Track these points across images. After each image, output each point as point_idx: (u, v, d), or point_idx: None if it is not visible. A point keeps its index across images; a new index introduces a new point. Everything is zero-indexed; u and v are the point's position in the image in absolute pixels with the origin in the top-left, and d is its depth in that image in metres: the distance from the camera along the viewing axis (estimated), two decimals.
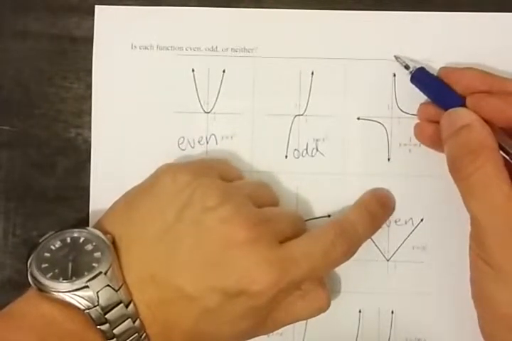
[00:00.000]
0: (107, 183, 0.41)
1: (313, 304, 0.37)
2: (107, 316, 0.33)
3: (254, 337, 0.37)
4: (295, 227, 0.37)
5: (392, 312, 0.40)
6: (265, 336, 0.39)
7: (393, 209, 0.40)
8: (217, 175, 0.37)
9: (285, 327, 0.39)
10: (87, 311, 0.33)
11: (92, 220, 0.41)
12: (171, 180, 0.36)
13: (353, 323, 0.40)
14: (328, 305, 0.37)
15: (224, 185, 0.36)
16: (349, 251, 0.36)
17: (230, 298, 0.34)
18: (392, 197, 0.40)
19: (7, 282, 0.41)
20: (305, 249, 0.35)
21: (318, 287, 0.37)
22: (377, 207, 0.39)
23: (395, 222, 0.40)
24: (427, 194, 0.40)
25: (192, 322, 0.34)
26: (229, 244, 0.34)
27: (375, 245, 0.40)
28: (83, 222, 0.41)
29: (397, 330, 0.40)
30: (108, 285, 0.33)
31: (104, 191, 0.41)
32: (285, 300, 0.36)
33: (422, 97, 0.39)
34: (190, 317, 0.34)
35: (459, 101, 0.37)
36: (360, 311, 0.40)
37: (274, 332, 0.40)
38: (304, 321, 0.40)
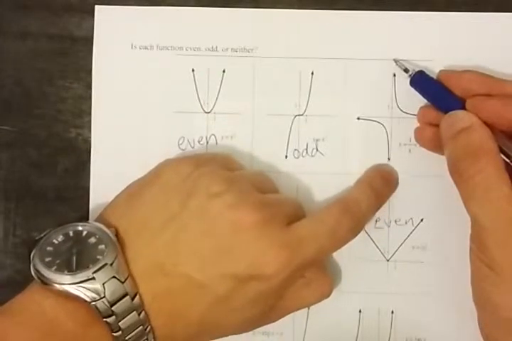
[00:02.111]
0: (107, 183, 0.40)
1: (317, 291, 0.37)
2: (113, 308, 0.33)
3: (258, 326, 0.38)
4: (297, 212, 0.37)
5: (392, 312, 0.40)
6: (266, 336, 0.40)
7: (397, 184, 0.40)
8: (219, 165, 0.37)
9: (285, 327, 0.40)
10: (94, 303, 0.33)
11: (92, 220, 0.40)
12: (174, 171, 0.37)
13: (353, 323, 0.40)
14: (331, 291, 0.38)
15: (227, 173, 0.37)
16: (355, 229, 0.37)
17: (241, 283, 0.34)
18: (396, 173, 0.40)
19: (7, 282, 0.41)
20: (312, 230, 0.35)
21: (321, 273, 0.37)
22: (381, 183, 0.39)
23: (395, 221, 0.40)
24: (427, 194, 0.40)
25: (201, 312, 0.34)
26: (237, 229, 0.34)
27: (375, 245, 0.40)
28: (83, 221, 0.40)
29: (397, 330, 0.40)
30: (114, 277, 0.33)
31: (104, 191, 0.40)
32: (291, 288, 0.36)
33: (422, 97, 0.39)
34: (199, 306, 0.34)
35: (459, 104, 0.37)
36: (360, 311, 0.40)
37: (274, 332, 0.40)
38: (304, 321, 0.40)
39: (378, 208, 0.39)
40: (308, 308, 0.40)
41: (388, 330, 0.40)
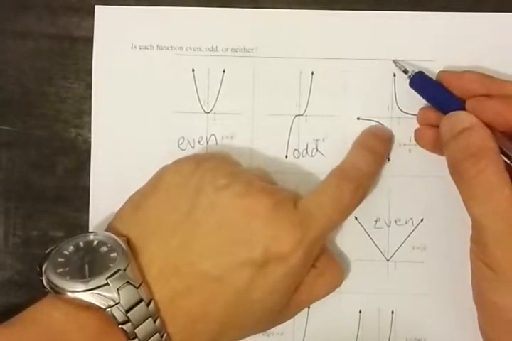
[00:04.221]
0: (107, 183, 0.41)
1: (331, 280, 0.38)
2: (128, 314, 0.32)
3: (273, 325, 0.38)
4: (298, 198, 0.37)
5: (392, 312, 0.40)
6: (266, 336, 0.40)
7: (392, 140, 0.40)
8: (219, 161, 0.38)
9: (285, 327, 0.40)
10: (109, 310, 0.32)
11: (92, 220, 0.41)
12: (176, 172, 0.37)
13: (353, 323, 0.40)
14: (343, 280, 0.39)
15: (229, 167, 0.37)
16: (358, 191, 0.37)
17: (260, 269, 0.34)
18: (388, 129, 0.40)
19: (7, 282, 0.41)
20: (316, 202, 0.36)
21: (332, 262, 0.38)
22: (374, 141, 0.39)
23: (395, 221, 0.40)
24: (427, 194, 0.40)
25: (221, 308, 0.34)
26: (250, 215, 0.34)
27: (375, 245, 0.40)
28: (83, 222, 0.41)
29: (397, 330, 0.40)
30: (128, 282, 0.33)
31: (104, 191, 0.41)
32: (305, 279, 0.36)
33: (422, 97, 0.39)
34: (219, 302, 0.34)
35: (459, 105, 0.37)
36: (360, 311, 0.40)
37: (274, 332, 0.40)
38: (304, 321, 0.40)
39: (378, 166, 0.39)
40: (309, 308, 0.40)
41: (388, 330, 0.40)
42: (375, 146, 0.39)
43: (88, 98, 0.41)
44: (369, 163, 0.38)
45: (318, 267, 0.37)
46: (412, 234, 0.40)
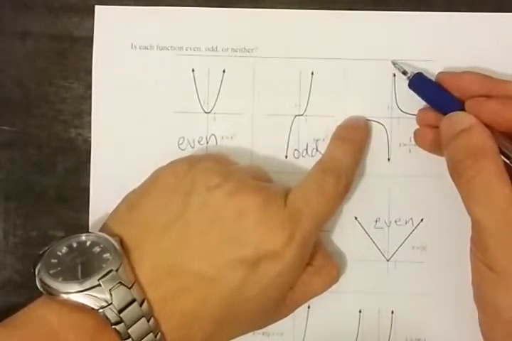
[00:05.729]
0: (107, 183, 0.41)
1: (327, 277, 0.38)
2: (121, 315, 0.32)
3: (269, 322, 0.38)
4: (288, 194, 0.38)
5: (392, 312, 0.40)
6: (266, 336, 0.40)
7: (367, 127, 0.40)
8: (213, 162, 0.38)
9: (285, 327, 0.40)
10: (101, 310, 0.32)
11: (92, 220, 0.41)
12: (170, 173, 0.37)
13: (353, 323, 0.40)
14: (339, 276, 0.39)
15: (222, 167, 0.37)
16: (340, 181, 0.37)
17: (252, 267, 0.34)
18: (361, 117, 0.40)
19: (7, 282, 0.41)
20: (302, 197, 0.36)
21: (327, 259, 0.38)
22: (347, 131, 0.40)
23: (395, 221, 0.40)
24: (427, 194, 0.40)
25: (215, 308, 0.34)
26: (241, 214, 0.34)
27: (375, 245, 0.40)
28: (83, 222, 0.41)
29: (397, 330, 0.40)
30: (120, 283, 0.33)
31: (104, 191, 0.41)
32: (301, 277, 0.36)
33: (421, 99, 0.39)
34: (213, 302, 0.34)
35: (458, 105, 0.37)
36: (360, 311, 0.40)
37: (274, 332, 0.40)
38: (304, 321, 0.40)
39: (357, 155, 0.39)
40: (309, 307, 0.40)
41: (388, 330, 0.40)
42: (349, 136, 0.39)
43: (88, 98, 0.41)
44: (346, 152, 0.38)
45: (314, 265, 0.37)
46: (412, 234, 0.40)
